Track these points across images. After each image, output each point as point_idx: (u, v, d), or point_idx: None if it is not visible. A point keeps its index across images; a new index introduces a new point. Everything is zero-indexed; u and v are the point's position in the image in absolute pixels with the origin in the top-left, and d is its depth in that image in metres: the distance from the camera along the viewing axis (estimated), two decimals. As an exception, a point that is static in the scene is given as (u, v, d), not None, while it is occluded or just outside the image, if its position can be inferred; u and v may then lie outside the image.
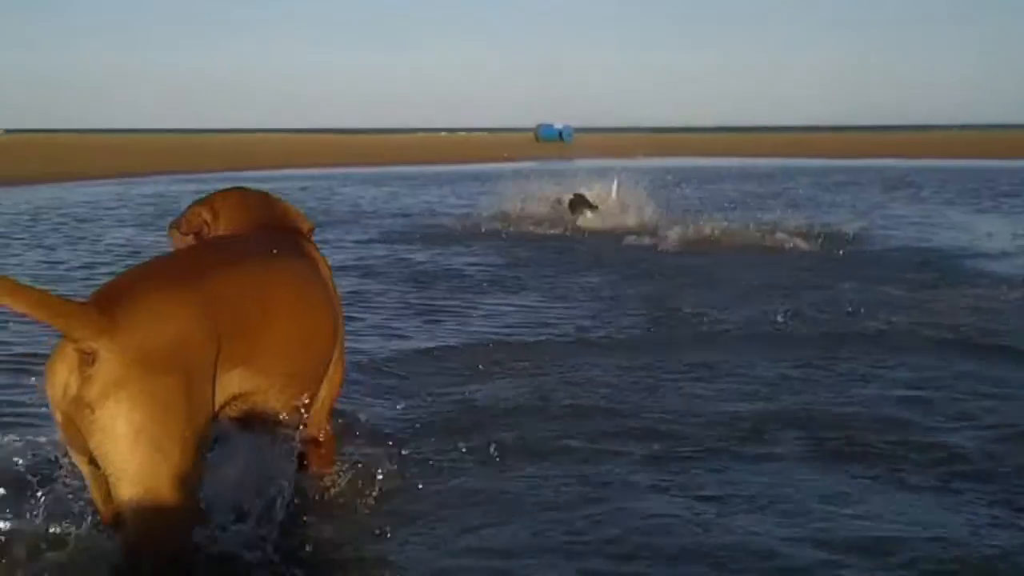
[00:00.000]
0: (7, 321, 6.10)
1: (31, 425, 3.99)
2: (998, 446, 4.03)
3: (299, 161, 35.41)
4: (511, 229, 12.28)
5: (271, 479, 3.14)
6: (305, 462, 3.49)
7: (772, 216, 12.42)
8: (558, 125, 64.87)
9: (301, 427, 3.24)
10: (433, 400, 4.73)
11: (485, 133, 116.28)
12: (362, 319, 6.69)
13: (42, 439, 3.54)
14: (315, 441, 3.44)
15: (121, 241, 11.58)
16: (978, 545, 3.14)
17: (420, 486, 3.59)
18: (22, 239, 11.72)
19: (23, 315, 2.45)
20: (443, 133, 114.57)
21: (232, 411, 2.93)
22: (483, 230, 12.24)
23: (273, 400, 3.04)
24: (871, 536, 3.20)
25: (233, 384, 2.84)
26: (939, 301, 7.35)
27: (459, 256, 10.18)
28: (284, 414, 3.10)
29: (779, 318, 6.58)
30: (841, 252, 10.11)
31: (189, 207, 3.47)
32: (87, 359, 2.49)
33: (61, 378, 2.53)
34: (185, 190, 19.46)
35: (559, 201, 13.65)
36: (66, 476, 3.09)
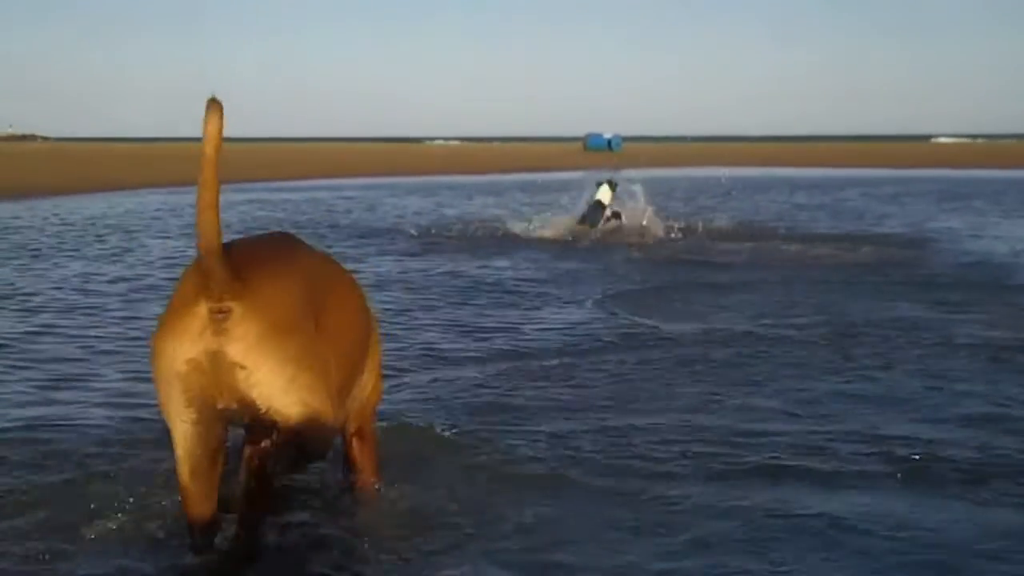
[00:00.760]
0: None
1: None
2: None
3: (347, 170, 35.63)
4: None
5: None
6: (353, 470, 3.63)
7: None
8: (607, 135, 64.70)
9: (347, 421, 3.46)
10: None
11: (533, 143, 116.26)
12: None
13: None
14: (360, 436, 3.61)
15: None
16: None
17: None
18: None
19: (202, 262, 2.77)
20: (495, 143, 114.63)
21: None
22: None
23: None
24: None
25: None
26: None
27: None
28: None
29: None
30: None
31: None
32: (221, 316, 2.80)
33: (194, 330, 2.82)
34: (237, 199, 19.67)
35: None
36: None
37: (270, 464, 2.95)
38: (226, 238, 2.84)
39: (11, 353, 6.00)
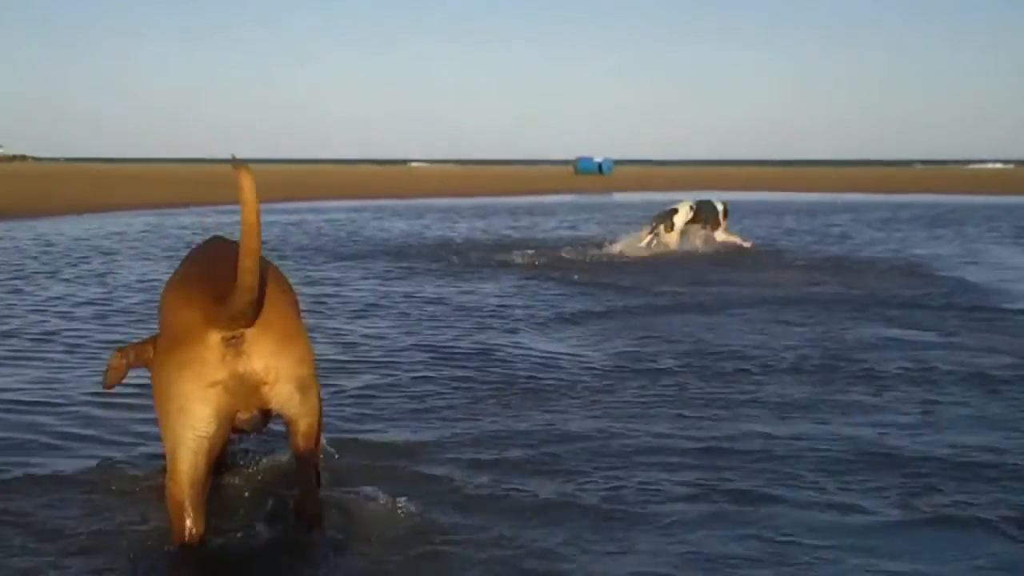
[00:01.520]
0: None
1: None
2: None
3: (332, 192, 35.43)
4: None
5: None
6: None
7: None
8: (598, 158, 64.80)
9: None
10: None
11: (523, 166, 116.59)
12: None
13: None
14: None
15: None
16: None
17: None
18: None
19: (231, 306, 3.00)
20: (481, 166, 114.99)
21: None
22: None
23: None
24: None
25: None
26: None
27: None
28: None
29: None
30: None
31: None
32: (235, 342, 3.07)
33: (214, 359, 3.07)
34: (222, 221, 19.53)
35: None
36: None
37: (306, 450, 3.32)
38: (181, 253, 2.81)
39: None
